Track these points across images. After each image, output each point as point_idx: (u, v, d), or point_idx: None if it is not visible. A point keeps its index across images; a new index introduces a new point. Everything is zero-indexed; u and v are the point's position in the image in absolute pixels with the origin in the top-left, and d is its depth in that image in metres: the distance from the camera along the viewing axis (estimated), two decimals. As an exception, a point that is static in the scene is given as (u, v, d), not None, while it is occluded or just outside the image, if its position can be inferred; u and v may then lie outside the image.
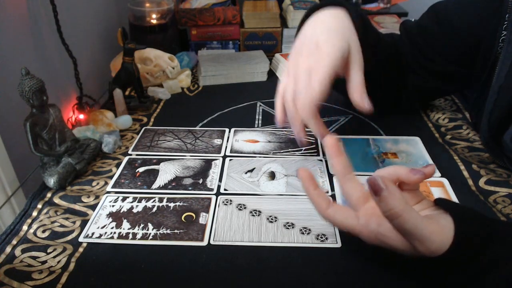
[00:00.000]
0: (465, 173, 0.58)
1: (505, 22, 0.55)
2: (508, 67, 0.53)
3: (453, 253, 0.34)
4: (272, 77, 0.92)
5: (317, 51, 0.51)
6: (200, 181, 0.58)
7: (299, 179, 0.45)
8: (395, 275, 0.43)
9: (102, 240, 0.48)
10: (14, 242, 0.48)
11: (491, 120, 0.56)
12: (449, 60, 0.64)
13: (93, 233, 0.49)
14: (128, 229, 0.50)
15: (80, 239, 0.48)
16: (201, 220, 0.51)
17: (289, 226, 0.50)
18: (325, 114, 0.75)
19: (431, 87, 0.68)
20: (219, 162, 0.62)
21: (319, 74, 0.49)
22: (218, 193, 0.56)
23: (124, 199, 0.55)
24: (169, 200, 0.54)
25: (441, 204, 0.39)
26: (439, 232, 0.35)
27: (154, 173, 0.60)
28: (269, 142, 0.67)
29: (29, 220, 0.51)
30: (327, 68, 0.49)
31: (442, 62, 0.64)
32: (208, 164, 0.62)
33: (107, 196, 0.55)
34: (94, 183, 0.58)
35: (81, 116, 0.73)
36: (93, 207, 0.54)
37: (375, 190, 0.35)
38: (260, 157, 0.63)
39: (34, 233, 0.49)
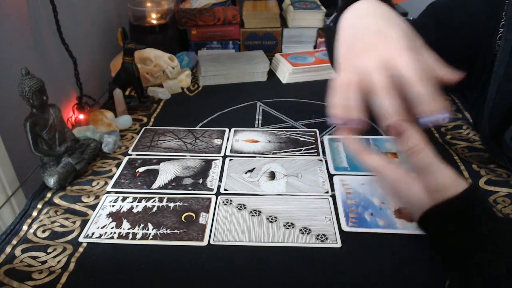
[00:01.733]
0: (465, 173, 0.58)
1: (502, 20, 0.55)
2: (505, 65, 0.53)
3: (463, 199, 0.36)
4: (272, 77, 0.92)
5: (385, 38, 0.45)
6: (200, 181, 0.58)
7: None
8: (395, 275, 0.43)
9: (102, 240, 0.48)
10: (14, 242, 0.48)
11: (491, 119, 0.56)
12: (448, 60, 0.64)
13: (93, 233, 0.49)
14: (128, 229, 0.50)
15: (80, 239, 0.48)
16: (201, 220, 0.51)
17: (289, 226, 0.50)
18: (325, 114, 0.75)
19: None
20: (219, 162, 0.62)
21: (403, 57, 0.43)
22: (218, 193, 0.56)
23: (124, 199, 0.55)
24: (169, 200, 0.54)
25: None
26: (451, 173, 0.38)
27: (154, 173, 0.60)
28: (269, 142, 0.67)
29: (29, 220, 0.51)
30: (407, 51, 0.43)
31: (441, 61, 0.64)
32: (208, 164, 0.62)
33: (107, 196, 0.55)
34: (94, 183, 0.58)
35: (81, 116, 0.73)
36: (93, 207, 0.54)
37: (399, 132, 0.38)
38: (260, 157, 0.63)
39: (34, 233, 0.49)
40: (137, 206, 0.54)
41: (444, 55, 0.64)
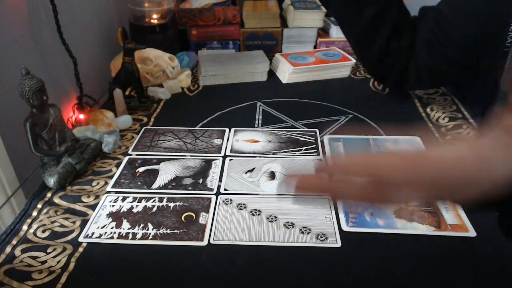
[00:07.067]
0: (465, 173, 0.58)
1: None
2: None
3: None
4: (272, 77, 0.92)
5: None
6: (200, 181, 0.58)
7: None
8: (395, 275, 0.43)
9: (102, 240, 0.48)
10: (14, 242, 0.48)
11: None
12: (462, 48, 0.65)
13: (93, 233, 0.49)
14: (128, 229, 0.50)
15: (80, 239, 0.48)
16: (201, 220, 0.51)
17: (289, 225, 0.50)
18: (325, 114, 0.75)
19: (443, 71, 0.69)
20: (219, 162, 0.62)
21: None
22: (218, 193, 0.56)
23: (124, 199, 0.55)
24: (169, 200, 0.54)
25: None
26: None
27: (154, 173, 0.60)
28: (269, 142, 0.67)
29: (29, 220, 0.51)
30: None
31: (456, 49, 0.65)
32: (208, 164, 0.62)
33: (107, 196, 0.55)
34: (94, 183, 0.58)
35: (81, 116, 0.73)
36: (93, 207, 0.54)
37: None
38: (260, 157, 0.63)
39: (34, 233, 0.49)
40: (137, 206, 0.54)
41: (458, 42, 0.65)
